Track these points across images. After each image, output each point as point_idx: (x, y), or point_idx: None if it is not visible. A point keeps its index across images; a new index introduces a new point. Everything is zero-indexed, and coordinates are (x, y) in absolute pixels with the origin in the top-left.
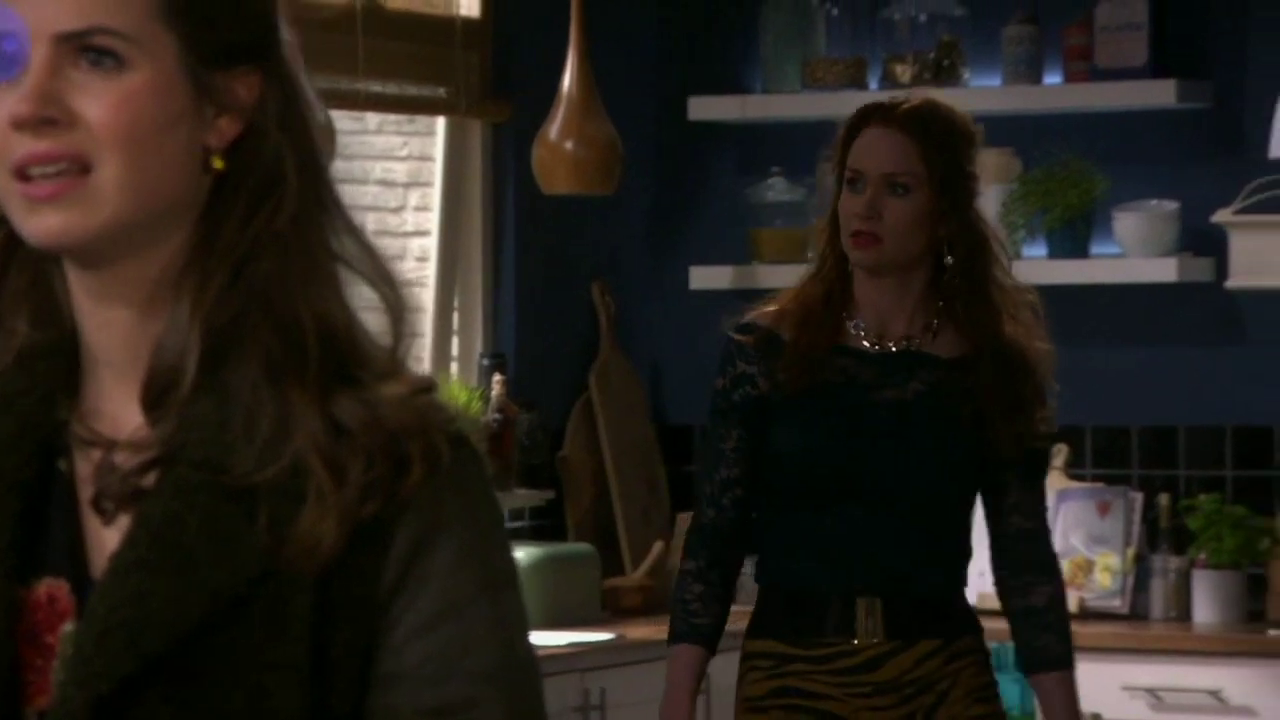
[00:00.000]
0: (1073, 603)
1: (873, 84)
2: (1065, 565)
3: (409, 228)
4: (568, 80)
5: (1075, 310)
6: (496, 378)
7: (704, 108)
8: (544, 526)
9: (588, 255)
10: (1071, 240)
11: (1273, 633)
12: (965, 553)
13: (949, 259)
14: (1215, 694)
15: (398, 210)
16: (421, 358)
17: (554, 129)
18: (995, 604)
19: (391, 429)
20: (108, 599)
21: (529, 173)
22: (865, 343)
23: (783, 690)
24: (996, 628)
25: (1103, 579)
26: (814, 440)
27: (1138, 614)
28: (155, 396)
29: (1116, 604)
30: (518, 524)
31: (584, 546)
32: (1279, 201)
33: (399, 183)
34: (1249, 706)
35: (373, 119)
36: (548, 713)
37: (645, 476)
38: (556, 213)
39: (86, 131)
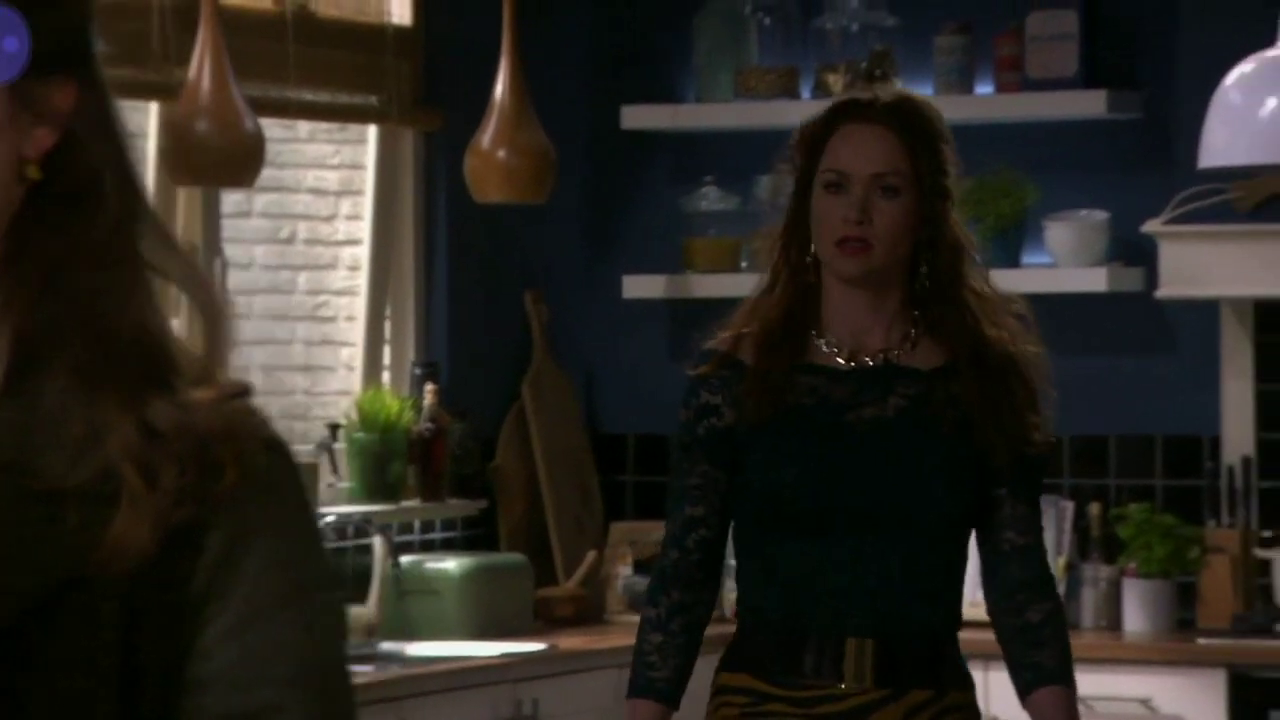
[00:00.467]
0: None
1: (805, 93)
2: None
3: (340, 236)
4: (500, 89)
5: None
6: (429, 387)
7: (637, 116)
8: (476, 536)
9: (520, 264)
10: (1003, 250)
11: (1202, 641)
12: (960, 581)
13: (924, 267)
14: (1145, 702)
15: (329, 219)
16: (353, 366)
17: (486, 137)
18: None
19: (203, 434)
20: None
21: (461, 181)
22: (838, 359)
23: None
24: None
25: None
26: (789, 468)
27: (1069, 623)
28: None
29: None
30: (450, 534)
31: (516, 556)
32: (1208, 212)
33: (330, 191)
34: (1179, 715)
35: (304, 127)
36: None
37: (578, 486)
38: (489, 221)
39: None
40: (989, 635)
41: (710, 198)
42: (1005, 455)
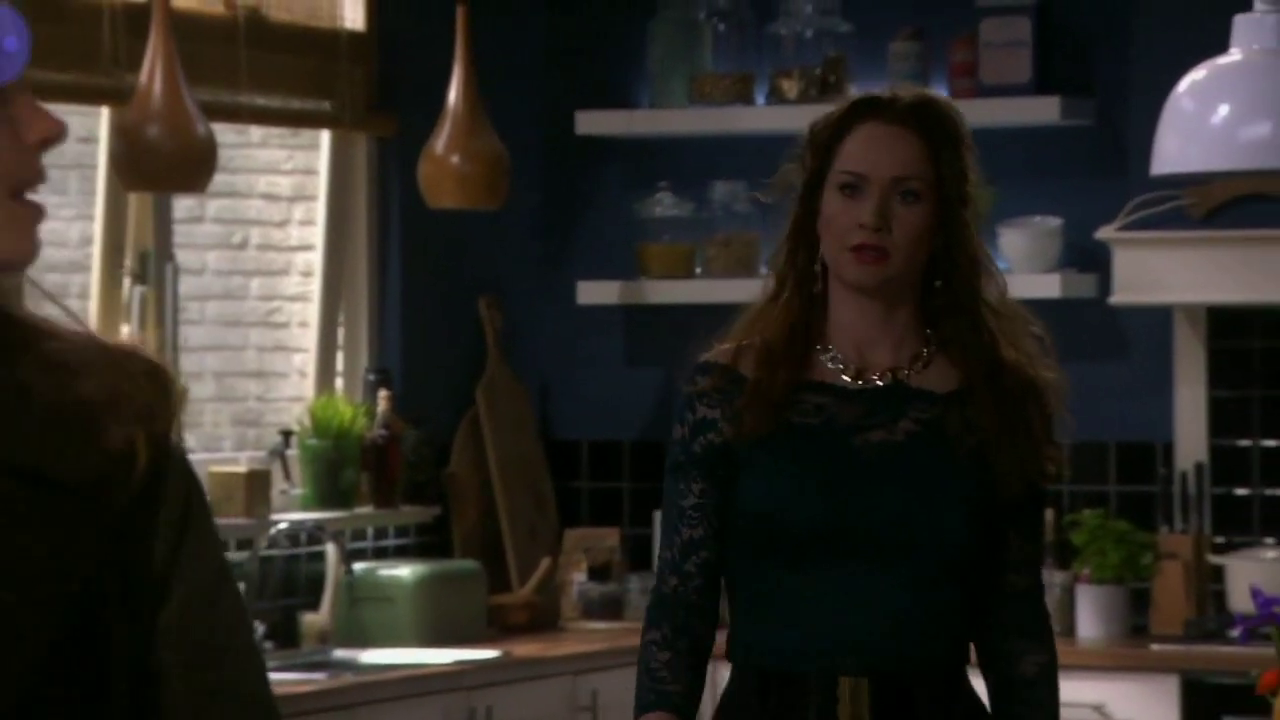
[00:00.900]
0: None
1: (759, 99)
2: None
3: (293, 242)
4: (453, 94)
5: None
6: (382, 393)
7: (591, 122)
8: (430, 543)
9: (474, 270)
10: None
11: (1155, 647)
12: (969, 623)
13: (938, 281)
14: (1099, 709)
15: (282, 225)
16: (306, 373)
17: (440, 143)
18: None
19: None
20: None
21: (414, 187)
22: (845, 377)
23: None
24: None
25: None
26: (787, 492)
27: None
28: None
29: None
30: (403, 541)
31: (469, 563)
32: (1162, 218)
33: (283, 197)
34: None
35: (256, 132)
36: None
37: (532, 493)
38: (442, 227)
39: None
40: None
41: (665, 203)
42: (1017, 487)
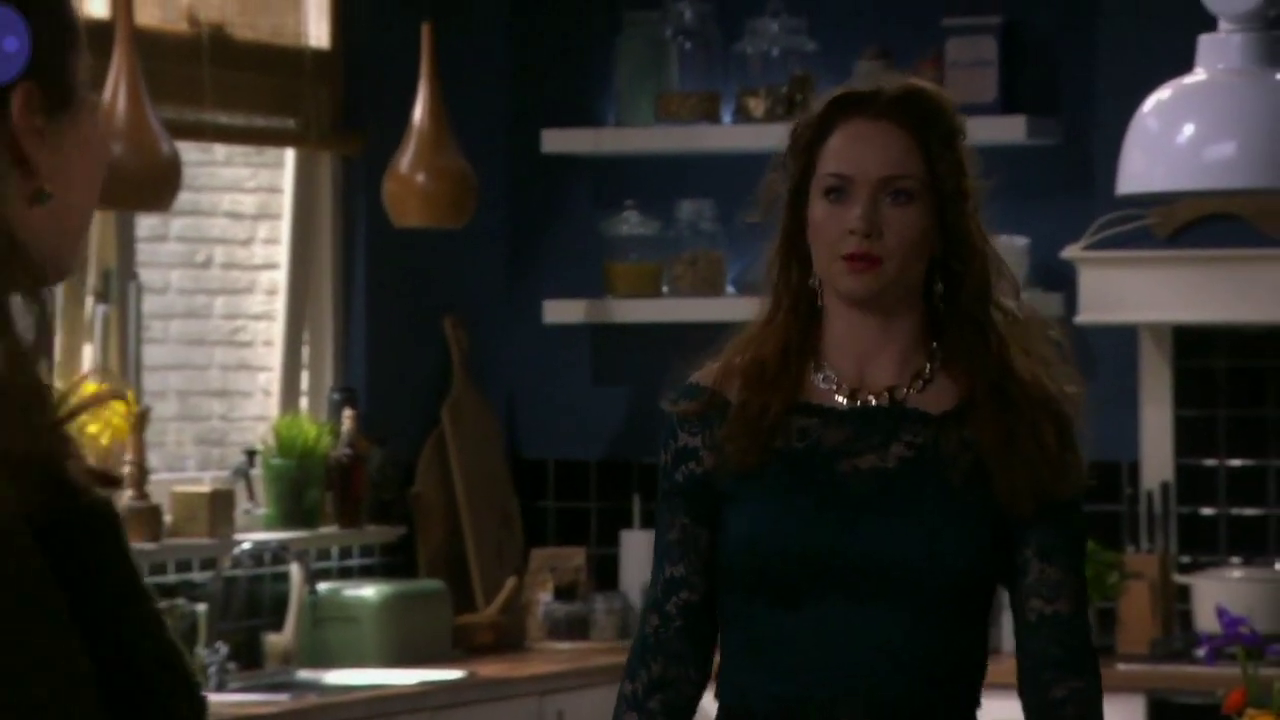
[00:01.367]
0: None
1: (726, 118)
2: None
3: (257, 261)
4: (419, 112)
5: None
6: (347, 412)
7: (557, 140)
8: (395, 563)
9: (440, 289)
10: None
11: (1122, 667)
12: (979, 663)
13: (940, 286)
14: None
15: (246, 243)
16: (270, 391)
17: (405, 161)
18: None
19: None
20: None
21: (380, 205)
22: (838, 397)
23: None
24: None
25: None
26: (769, 524)
27: (990, 648)
28: None
29: None
30: (368, 561)
31: (435, 583)
32: (1127, 238)
33: (247, 215)
34: None
35: (220, 150)
36: None
37: (499, 512)
38: (408, 246)
39: None
40: None
41: (631, 222)
42: (1029, 505)
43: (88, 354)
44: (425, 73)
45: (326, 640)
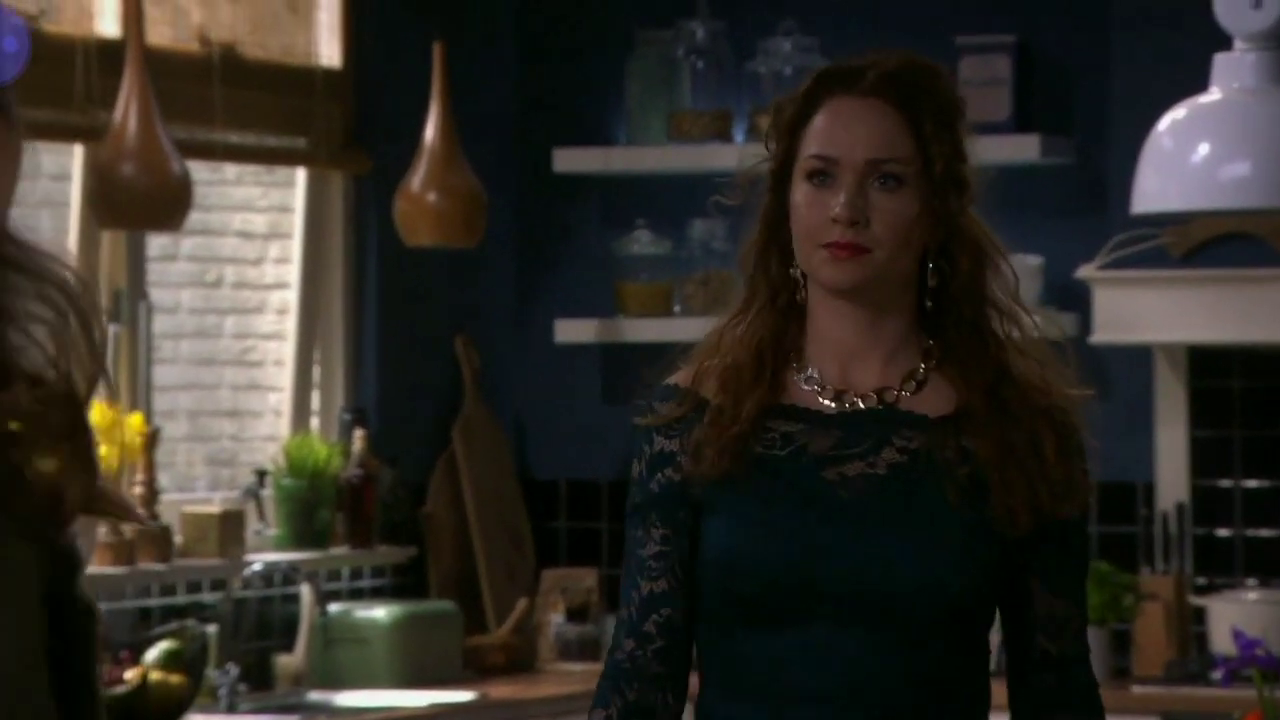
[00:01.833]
0: None
1: (738, 137)
2: None
3: (268, 280)
4: (430, 131)
5: None
6: (358, 432)
7: (569, 159)
8: (406, 584)
9: (451, 308)
10: None
11: (1137, 689)
12: (980, 691)
13: (932, 280)
14: None
15: (257, 263)
16: (281, 412)
17: (416, 180)
18: None
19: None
20: None
21: (391, 225)
22: (822, 399)
23: None
24: None
25: None
26: (747, 538)
27: (1000, 671)
28: None
29: None
30: (379, 582)
31: (446, 604)
32: (1142, 257)
33: (258, 234)
34: None
35: (231, 170)
36: None
37: (510, 533)
38: (419, 265)
39: None
40: None
41: (642, 241)
42: (1028, 524)
43: None
44: (436, 92)
45: (337, 661)
